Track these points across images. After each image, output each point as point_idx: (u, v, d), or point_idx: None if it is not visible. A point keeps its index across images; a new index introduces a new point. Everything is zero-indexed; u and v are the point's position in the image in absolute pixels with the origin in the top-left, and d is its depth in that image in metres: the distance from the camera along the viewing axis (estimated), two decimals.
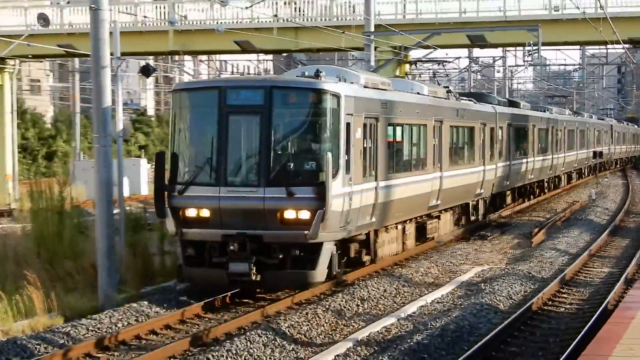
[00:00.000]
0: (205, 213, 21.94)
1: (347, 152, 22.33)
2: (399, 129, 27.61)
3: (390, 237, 27.63)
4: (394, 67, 45.56)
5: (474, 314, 22.58)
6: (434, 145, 31.17)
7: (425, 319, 22.22)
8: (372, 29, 43.29)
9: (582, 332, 18.99)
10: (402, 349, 18.89)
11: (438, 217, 32.93)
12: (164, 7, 59.81)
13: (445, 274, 28.60)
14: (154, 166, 22.74)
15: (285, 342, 19.66)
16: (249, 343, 19.25)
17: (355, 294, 24.52)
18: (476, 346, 18.52)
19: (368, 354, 18.91)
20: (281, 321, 21.03)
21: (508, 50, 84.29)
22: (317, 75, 23.36)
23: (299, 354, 19.06)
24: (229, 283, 22.30)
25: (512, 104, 50.11)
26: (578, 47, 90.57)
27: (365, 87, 26.39)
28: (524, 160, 48.41)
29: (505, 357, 18.87)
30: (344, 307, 23.27)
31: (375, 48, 40.88)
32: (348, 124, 22.25)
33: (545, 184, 58.32)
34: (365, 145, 24.25)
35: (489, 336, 19.38)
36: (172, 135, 23.39)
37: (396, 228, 27.85)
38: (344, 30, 44.95)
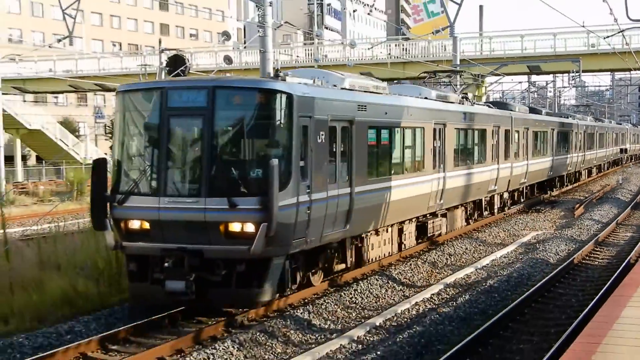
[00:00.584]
0: (146, 225, 16.09)
1: (304, 157, 16.48)
2: (384, 132, 21.33)
3: (383, 239, 21.75)
4: (473, 89, 46.26)
5: (531, 265, 23.30)
6: (434, 147, 24.89)
7: (496, 269, 22.93)
8: (458, 62, 44.03)
9: (611, 279, 19.63)
10: (479, 290, 19.70)
11: (445, 215, 26.74)
12: (311, 49, 65.33)
13: (510, 237, 29.08)
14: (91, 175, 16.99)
15: (395, 284, 20.24)
16: (369, 285, 19.70)
17: (444, 251, 25.13)
18: (533, 288, 19.25)
19: (454, 293, 19.45)
20: (392, 270, 21.67)
21: (557, 76, 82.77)
22: (276, 75, 17.74)
23: (405, 292, 19.62)
24: (170, 301, 16.12)
25: (534, 110, 44.43)
26: (609, 73, 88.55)
27: (349, 89, 20.12)
28: (543, 159, 41.75)
29: (554, 297, 19.31)
30: (437, 260, 23.88)
31: (460, 76, 41.13)
32: (305, 127, 16.52)
33: (566, 178, 51.15)
34: (332, 150, 18.19)
35: (542, 281, 20.09)
36: (114, 140, 17.87)
37: (387, 231, 21.88)
38: (438, 64, 46.30)
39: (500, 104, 38.38)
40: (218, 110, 16.02)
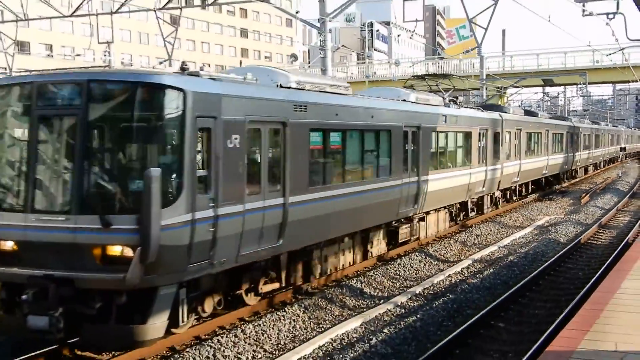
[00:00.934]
0: (13, 246, 11.23)
1: (206, 165, 11.67)
2: (335, 135, 15.92)
3: (341, 249, 16.87)
4: (497, 99, 45.99)
5: (545, 244, 23.06)
6: (406, 150, 19.38)
7: (515, 247, 22.66)
8: (484, 77, 43.52)
9: (612, 256, 19.44)
10: (501, 264, 19.64)
11: (422, 219, 21.42)
12: (363, 68, 65.83)
13: (527, 221, 28.71)
14: None
15: (431, 260, 20.12)
16: (410, 260, 19.49)
17: (472, 232, 24.79)
18: (546, 263, 19.24)
19: (481, 267, 19.33)
20: (430, 248, 21.54)
21: (567, 87, 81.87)
22: (182, 68, 12.65)
23: (439, 266, 19.49)
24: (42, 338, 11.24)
25: (530, 113, 38.61)
26: (611, 84, 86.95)
27: (290, 87, 14.75)
28: (538, 159, 35.96)
29: (564, 270, 19.20)
30: (466, 239, 23.64)
31: (486, 88, 40.81)
32: (207, 130, 11.57)
33: (563, 176, 45.00)
34: (254, 156, 13.11)
35: (553, 258, 19.88)
36: None
37: (342, 242, 16.81)
38: (468, 77, 46.16)
39: (495, 107, 33.47)
40: (92, 109, 11.13)
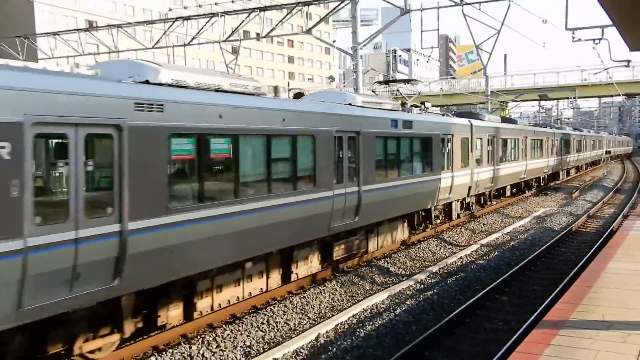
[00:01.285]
0: None
1: None
2: (220, 142, 10.70)
3: (242, 276, 11.97)
4: (500, 112, 45.47)
5: (541, 232, 22.55)
6: (337, 158, 14.07)
7: (516, 234, 22.19)
8: (489, 93, 42.97)
9: (599, 242, 19.07)
10: (505, 248, 19.26)
11: (371, 231, 16.42)
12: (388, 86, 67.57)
13: (526, 212, 28.20)
14: None
15: (446, 244, 19.80)
16: (428, 245, 19.09)
17: (480, 222, 24.30)
18: (542, 247, 18.79)
19: (487, 250, 18.92)
20: (444, 234, 21.21)
21: (559, 101, 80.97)
22: None
23: (452, 250, 19.17)
24: None
25: (510, 121, 32.68)
26: (597, 98, 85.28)
27: (152, 83, 9.78)
28: (515, 164, 30.35)
29: (558, 254, 18.64)
30: (475, 227, 23.22)
31: (490, 102, 40.32)
32: None
33: (542, 179, 39.06)
34: (46, 172, 7.80)
35: (549, 243, 19.46)
36: None
37: (231, 273, 11.63)
38: (475, 94, 45.65)
39: (471, 114, 27.89)
40: None
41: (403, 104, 19.86)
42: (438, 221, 21.92)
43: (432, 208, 20.72)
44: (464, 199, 23.97)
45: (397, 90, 27.79)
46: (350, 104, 15.68)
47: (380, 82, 23.84)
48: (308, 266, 14.09)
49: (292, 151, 12.68)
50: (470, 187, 23.80)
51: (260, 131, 11.60)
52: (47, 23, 75.10)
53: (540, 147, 36.63)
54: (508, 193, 31.84)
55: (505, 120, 32.34)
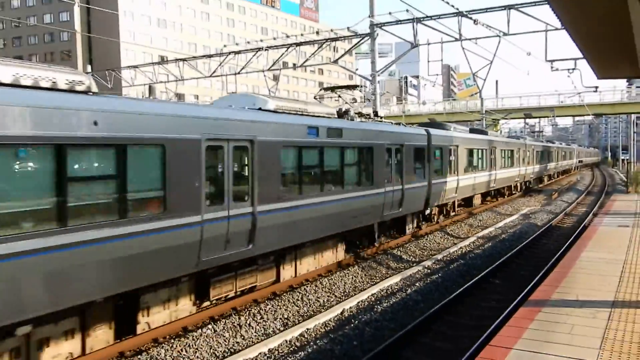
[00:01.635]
0: None
1: None
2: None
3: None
4: (494, 127, 44.97)
5: (527, 226, 22.04)
6: (234, 173, 9.64)
7: (506, 228, 21.69)
8: (484, 112, 42.32)
9: (574, 235, 18.81)
10: (497, 240, 18.93)
11: (283, 256, 11.78)
12: (400, 107, 67.00)
13: (514, 210, 27.52)
14: None
15: (448, 236, 19.33)
16: (434, 236, 18.78)
17: (477, 218, 23.81)
18: (528, 239, 18.44)
19: (483, 242, 18.51)
20: (448, 228, 20.72)
21: (541, 119, 79.90)
22: None
23: (454, 241, 18.69)
24: None
25: (479, 132, 28.14)
26: (572, 116, 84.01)
27: None
28: (480, 174, 24.90)
29: (541, 245, 18.24)
30: (473, 223, 22.60)
31: (484, 119, 39.86)
32: None
33: (513, 187, 33.10)
34: None
35: (533, 236, 19.11)
36: None
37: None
38: (472, 112, 45.25)
39: (436, 125, 23.32)
40: None
41: (345, 112, 14.68)
42: (382, 238, 16.96)
43: (375, 224, 15.71)
44: (420, 212, 18.94)
45: (408, 110, 26.57)
46: (260, 109, 11.35)
47: (325, 89, 17.52)
48: (152, 318, 9.03)
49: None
50: (427, 199, 18.87)
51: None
52: (129, 59, 76.83)
53: (511, 157, 31.55)
54: (478, 202, 26.26)
55: (474, 131, 28.26)
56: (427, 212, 19.60)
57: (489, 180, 26.82)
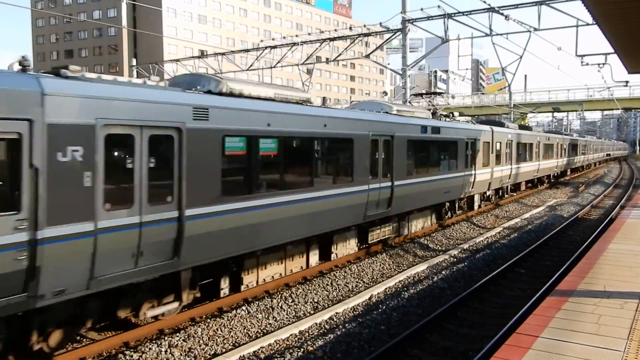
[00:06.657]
0: None
1: None
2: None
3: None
4: (520, 121, 43.93)
5: (553, 218, 21.69)
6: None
7: (532, 219, 21.34)
8: (512, 106, 41.54)
9: (600, 227, 18.35)
10: (523, 231, 18.60)
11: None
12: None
13: (540, 202, 27.08)
14: None
15: (474, 226, 19.23)
16: (460, 226, 18.52)
17: (503, 209, 23.53)
18: (554, 230, 18.10)
19: (509, 232, 18.29)
20: (474, 219, 20.55)
21: (569, 113, 77.76)
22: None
23: (480, 231, 18.54)
24: None
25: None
26: (600, 111, 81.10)
27: None
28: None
29: (567, 236, 17.83)
30: (499, 214, 22.35)
31: (513, 113, 38.99)
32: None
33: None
34: None
35: (559, 227, 18.74)
36: None
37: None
38: (500, 106, 44.35)
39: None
40: None
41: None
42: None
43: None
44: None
45: (437, 104, 26.68)
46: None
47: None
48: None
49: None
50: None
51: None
52: (171, 53, 77.93)
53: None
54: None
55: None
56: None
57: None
